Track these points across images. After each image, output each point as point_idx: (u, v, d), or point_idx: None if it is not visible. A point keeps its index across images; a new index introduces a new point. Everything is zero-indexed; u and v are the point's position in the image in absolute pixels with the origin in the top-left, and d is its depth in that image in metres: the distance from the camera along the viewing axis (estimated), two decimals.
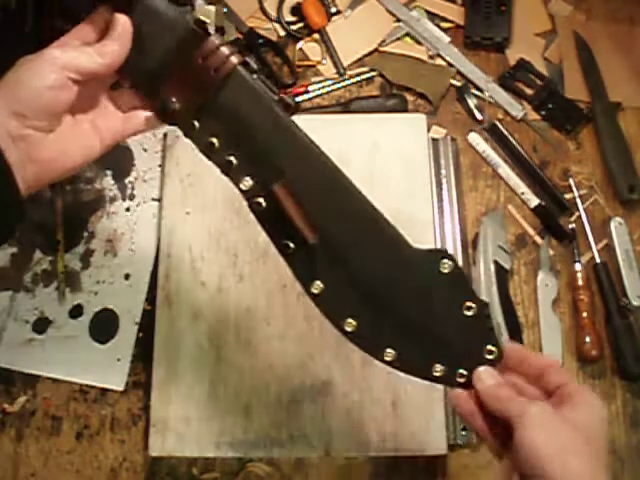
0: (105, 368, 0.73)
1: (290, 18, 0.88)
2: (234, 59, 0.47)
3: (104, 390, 0.72)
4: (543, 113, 0.83)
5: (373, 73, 0.85)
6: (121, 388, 0.72)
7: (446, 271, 0.50)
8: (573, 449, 0.42)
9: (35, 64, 0.44)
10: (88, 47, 0.46)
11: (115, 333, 0.74)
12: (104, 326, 0.74)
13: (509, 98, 0.83)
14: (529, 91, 0.84)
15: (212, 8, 0.46)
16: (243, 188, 0.49)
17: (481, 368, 0.49)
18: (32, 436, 0.71)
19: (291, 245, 0.49)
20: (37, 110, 0.44)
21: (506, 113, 0.83)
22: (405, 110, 0.82)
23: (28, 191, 0.45)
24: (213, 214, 0.75)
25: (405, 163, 0.76)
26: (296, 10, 0.88)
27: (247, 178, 0.49)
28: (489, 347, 0.50)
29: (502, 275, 0.74)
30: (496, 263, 0.73)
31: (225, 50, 0.47)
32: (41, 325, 0.74)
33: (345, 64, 0.85)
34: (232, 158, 0.49)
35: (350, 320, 0.50)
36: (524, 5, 0.88)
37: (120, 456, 0.71)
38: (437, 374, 0.50)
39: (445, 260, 0.50)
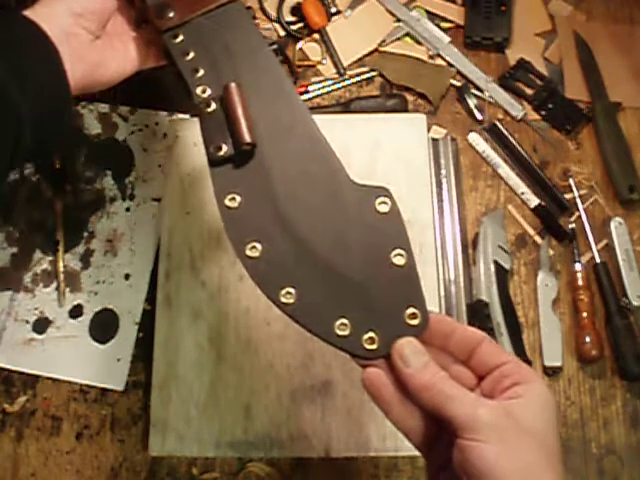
0: (105, 368, 0.73)
1: (290, 18, 0.88)
2: None
3: (104, 390, 0.72)
4: (543, 113, 0.83)
5: (373, 73, 0.85)
6: (121, 388, 0.72)
7: (383, 210, 0.45)
8: (537, 469, 0.35)
9: None
10: None
11: (115, 333, 0.74)
12: (104, 326, 0.74)
13: (509, 98, 0.83)
14: (529, 91, 0.84)
15: None
16: (199, 93, 0.50)
17: (403, 339, 0.40)
18: (32, 436, 0.71)
19: (224, 147, 0.47)
20: (90, 11, 0.52)
21: (506, 113, 0.83)
22: (405, 110, 0.82)
23: (75, 91, 0.51)
24: (213, 214, 0.74)
25: (405, 163, 0.76)
26: (296, 10, 0.88)
27: (206, 87, 0.50)
28: (412, 310, 0.41)
29: (502, 275, 0.74)
30: (496, 263, 0.73)
31: None
32: (41, 325, 0.74)
33: (345, 64, 0.86)
34: (200, 68, 0.51)
35: (255, 244, 0.44)
36: (524, 5, 0.88)
37: (120, 456, 0.71)
38: (340, 332, 0.42)
39: (384, 198, 0.45)
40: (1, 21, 0.48)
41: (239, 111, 0.47)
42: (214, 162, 0.48)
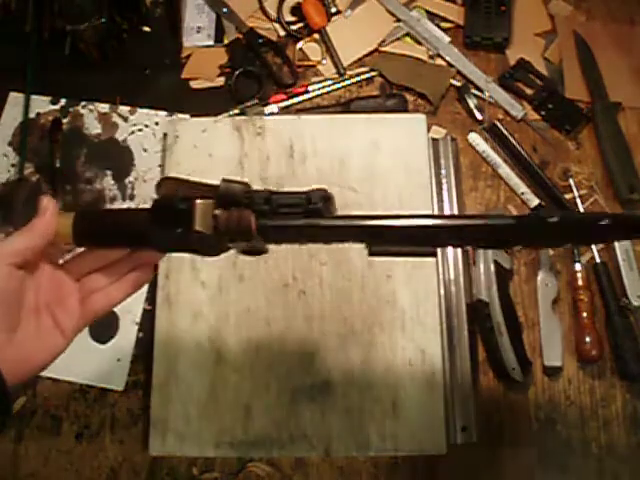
0: (105, 368, 0.73)
1: (290, 18, 0.88)
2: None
3: (104, 390, 0.72)
4: (543, 113, 0.83)
5: (373, 73, 0.85)
6: (121, 388, 0.72)
7: None
8: None
9: None
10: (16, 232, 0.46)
11: (115, 333, 0.74)
12: (104, 326, 0.74)
13: (509, 98, 0.83)
14: (529, 91, 0.84)
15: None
16: None
17: None
18: (32, 436, 0.71)
19: None
20: None
21: (506, 113, 0.83)
22: (405, 110, 0.82)
23: None
24: None
25: (405, 163, 0.76)
26: (296, 10, 0.88)
27: None
28: None
29: (502, 275, 0.74)
30: (496, 263, 0.73)
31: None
32: None
33: (345, 64, 0.86)
34: None
35: None
36: (524, 5, 0.88)
37: (120, 456, 0.71)
38: None
39: None
40: None
41: None
42: None
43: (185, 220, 0.44)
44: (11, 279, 0.44)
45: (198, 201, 0.45)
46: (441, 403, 0.68)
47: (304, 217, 0.45)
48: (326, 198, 0.46)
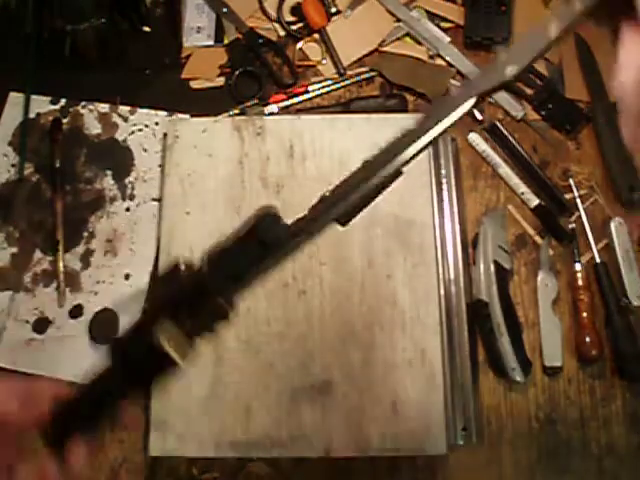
0: None
1: (290, 18, 0.88)
2: None
3: None
4: (543, 113, 0.83)
5: (373, 73, 0.85)
6: None
7: None
8: None
9: None
10: None
11: (115, 333, 0.74)
12: (104, 326, 0.74)
13: (509, 98, 0.83)
14: (529, 91, 0.84)
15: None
16: None
17: None
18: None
19: None
20: None
21: (506, 113, 0.83)
22: (405, 110, 0.82)
23: None
24: (213, 214, 0.74)
25: None
26: (296, 10, 0.88)
27: None
28: None
29: (502, 275, 0.74)
30: (496, 263, 0.73)
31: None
32: (41, 325, 0.74)
33: (345, 64, 0.85)
34: None
35: None
36: (524, 5, 0.88)
37: (120, 456, 0.71)
38: None
39: None
40: None
41: None
42: None
43: (164, 365, 0.42)
44: None
45: (166, 345, 0.41)
46: (441, 403, 0.68)
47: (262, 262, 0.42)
48: (276, 221, 0.42)
